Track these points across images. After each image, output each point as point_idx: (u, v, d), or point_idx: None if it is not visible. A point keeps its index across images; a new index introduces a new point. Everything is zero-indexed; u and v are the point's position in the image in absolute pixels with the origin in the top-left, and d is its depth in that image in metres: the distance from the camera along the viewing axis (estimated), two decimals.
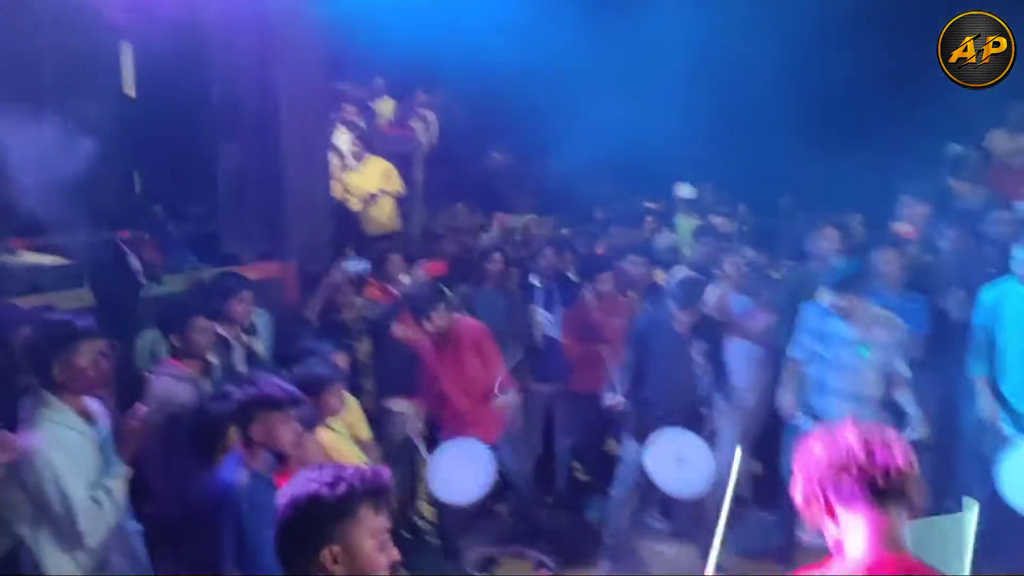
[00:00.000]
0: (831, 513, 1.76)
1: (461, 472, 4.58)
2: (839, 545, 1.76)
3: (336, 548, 1.70)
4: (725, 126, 8.06)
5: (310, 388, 3.71)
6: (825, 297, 4.55)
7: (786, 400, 4.72)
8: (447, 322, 4.84)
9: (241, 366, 4.40)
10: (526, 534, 4.90)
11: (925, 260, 5.42)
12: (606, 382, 5.02)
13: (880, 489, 1.70)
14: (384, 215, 7.63)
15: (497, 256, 5.92)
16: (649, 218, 7.65)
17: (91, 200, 4.71)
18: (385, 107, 8.85)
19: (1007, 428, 4.41)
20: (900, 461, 1.72)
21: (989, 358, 4.50)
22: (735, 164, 8.17)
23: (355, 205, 7.57)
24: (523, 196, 8.58)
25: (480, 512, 5.14)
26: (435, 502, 4.91)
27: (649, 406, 4.84)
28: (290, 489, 1.76)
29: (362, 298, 5.41)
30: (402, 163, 7.86)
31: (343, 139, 8.00)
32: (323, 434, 3.70)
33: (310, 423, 3.47)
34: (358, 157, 7.65)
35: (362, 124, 8.16)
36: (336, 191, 7.54)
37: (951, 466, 5.04)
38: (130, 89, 6.96)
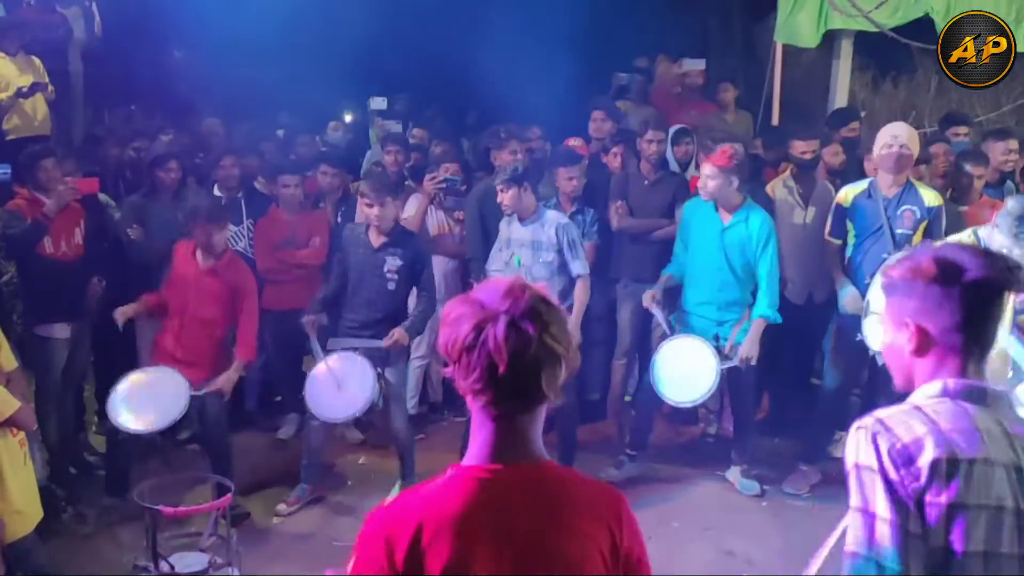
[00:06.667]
0: None
1: (152, 401, 4.25)
2: None
3: None
4: (421, 38, 7.97)
5: None
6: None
7: None
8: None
9: None
10: (213, 459, 4.60)
11: (600, 175, 5.79)
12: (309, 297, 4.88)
13: None
14: (39, 115, 6.61)
15: (173, 164, 5.36)
16: (341, 127, 7.41)
17: None
18: None
19: (663, 323, 4.71)
20: None
21: (681, 264, 4.79)
22: (430, 76, 8.15)
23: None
24: (208, 99, 7.88)
25: (155, 442, 4.79)
26: (109, 432, 4.45)
27: (344, 320, 4.76)
28: None
29: (3, 210, 4.65)
30: (51, 55, 6.79)
31: None
32: None
33: None
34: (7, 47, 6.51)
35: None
36: None
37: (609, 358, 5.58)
38: None
